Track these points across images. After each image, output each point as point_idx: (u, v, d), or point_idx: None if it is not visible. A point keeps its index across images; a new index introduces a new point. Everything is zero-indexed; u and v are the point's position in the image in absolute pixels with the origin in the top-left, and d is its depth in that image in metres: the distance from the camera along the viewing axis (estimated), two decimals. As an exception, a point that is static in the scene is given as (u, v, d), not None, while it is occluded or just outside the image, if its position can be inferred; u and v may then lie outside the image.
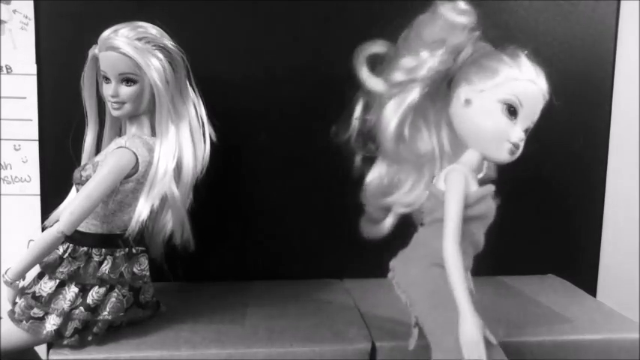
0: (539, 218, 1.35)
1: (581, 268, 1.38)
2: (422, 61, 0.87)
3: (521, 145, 0.84)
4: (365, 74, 0.92)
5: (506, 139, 0.83)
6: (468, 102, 0.85)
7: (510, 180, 1.30)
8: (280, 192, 1.26)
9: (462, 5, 0.88)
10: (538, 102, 0.84)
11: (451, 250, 0.78)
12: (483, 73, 0.84)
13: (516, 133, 0.83)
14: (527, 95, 0.83)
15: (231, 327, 1.00)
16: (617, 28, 1.33)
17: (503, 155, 0.84)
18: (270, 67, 1.22)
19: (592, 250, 1.39)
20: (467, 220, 0.82)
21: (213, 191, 1.07)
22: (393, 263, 0.91)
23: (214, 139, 1.06)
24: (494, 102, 0.83)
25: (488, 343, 0.76)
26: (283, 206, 1.27)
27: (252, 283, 1.24)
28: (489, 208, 0.86)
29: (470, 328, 0.74)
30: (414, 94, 0.88)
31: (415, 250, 0.90)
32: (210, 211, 1.11)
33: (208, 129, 1.05)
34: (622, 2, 1.32)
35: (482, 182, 0.89)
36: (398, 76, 0.89)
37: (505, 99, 0.82)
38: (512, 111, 0.82)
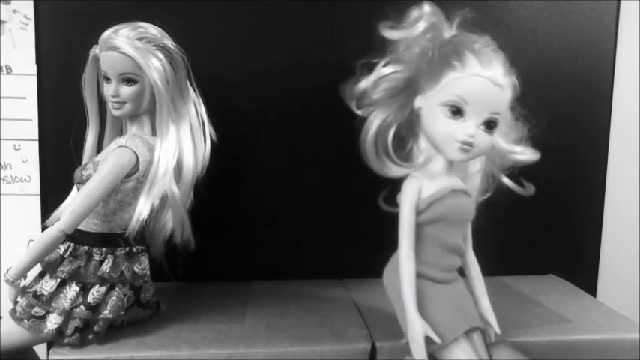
0: (539, 218, 1.35)
1: (581, 268, 1.38)
2: (372, 81, 0.90)
3: (477, 140, 0.82)
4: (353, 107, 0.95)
5: (454, 139, 0.82)
6: (419, 110, 0.87)
7: (510, 180, 1.30)
8: (280, 192, 1.26)
9: (420, 11, 0.89)
10: (487, 93, 0.81)
11: (401, 256, 0.83)
12: (431, 79, 0.84)
13: (464, 130, 0.82)
14: (471, 91, 0.81)
15: (231, 327, 1.00)
16: (617, 28, 1.33)
17: (456, 155, 0.84)
18: (271, 67, 1.22)
19: (592, 250, 1.39)
20: (425, 224, 0.85)
21: (213, 191, 1.07)
22: (385, 269, 0.93)
23: (214, 138, 1.06)
24: (438, 106, 0.83)
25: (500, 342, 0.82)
26: (283, 206, 1.27)
27: (252, 283, 1.24)
28: (449, 208, 0.86)
29: (412, 328, 0.80)
30: (379, 117, 0.91)
31: (395, 255, 0.91)
32: (210, 210, 1.11)
33: (208, 129, 1.05)
34: (622, 2, 1.33)
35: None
36: (363, 99, 0.92)
37: (447, 101, 0.82)
38: (455, 111, 0.82)
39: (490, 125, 0.83)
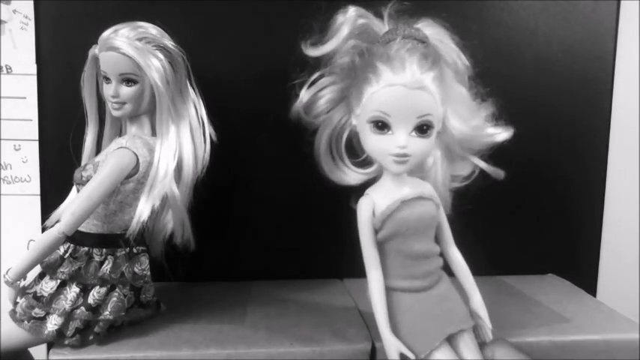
0: (539, 218, 1.35)
1: (581, 268, 1.38)
2: (312, 94, 0.91)
3: (411, 149, 0.80)
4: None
5: (387, 153, 0.82)
6: (355, 128, 0.87)
7: (510, 180, 1.30)
8: (280, 192, 1.26)
9: (343, 16, 0.88)
10: (406, 99, 0.78)
11: (369, 279, 0.84)
12: (356, 97, 0.84)
13: (395, 142, 0.80)
14: (388, 102, 0.79)
15: (231, 327, 1.00)
16: (617, 28, 1.33)
17: (395, 168, 0.83)
18: (271, 68, 1.22)
19: (592, 250, 1.39)
20: (386, 240, 0.85)
21: (213, 191, 1.07)
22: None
23: (215, 138, 1.06)
24: (365, 124, 0.83)
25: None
26: (283, 206, 1.27)
27: (252, 283, 1.24)
28: (402, 221, 0.84)
29: (387, 348, 0.80)
30: (329, 127, 0.92)
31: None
32: (210, 211, 1.11)
33: (209, 129, 1.05)
34: (622, 2, 1.32)
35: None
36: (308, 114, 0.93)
37: (370, 117, 0.81)
38: (381, 125, 0.81)
39: (423, 129, 0.81)
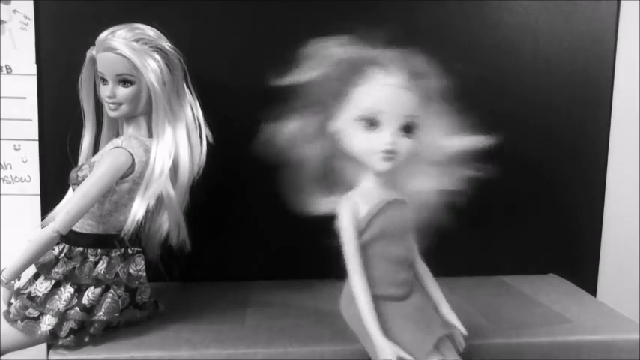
0: (539, 218, 1.35)
1: (581, 268, 1.38)
2: (297, 128, 0.89)
3: (398, 147, 0.82)
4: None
5: (375, 150, 0.83)
6: (337, 133, 0.86)
7: (511, 180, 1.30)
8: (279, 191, 1.26)
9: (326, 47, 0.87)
10: (396, 99, 0.82)
11: (354, 284, 0.83)
12: (340, 102, 0.85)
13: (382, 140, 0.82)
14: (380, 99, 0.82)
15: (231, 327, 1.00)
16: (617, 28, 1.33)
17: (382, 165, 0.83)
18: (268, 69, 1.22)
19: (592, 250, 1.39)
20: (369, 243, 0.85)
21: (211, 192, 1.07)
22: (341, 300, 0.93)
23: (211, 140, 1.06)
24: (352, 122, 0.83)
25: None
26: (282, 206, 1.26)
27: (252, 283, 1.24)
28: (391, 221, 0.85)
29: (383, 355, 0.78)
30: (314, 156, 0.89)
31: (347, 285, 0.91)
32: (209, 211, 1.11)
33: (205, 130, 1.05)
34: (622, 2, 1.33)
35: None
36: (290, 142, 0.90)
37: (360, 115, 0.82)
38: (370, 123, 0.82)
39: (408, 129, 0.83)
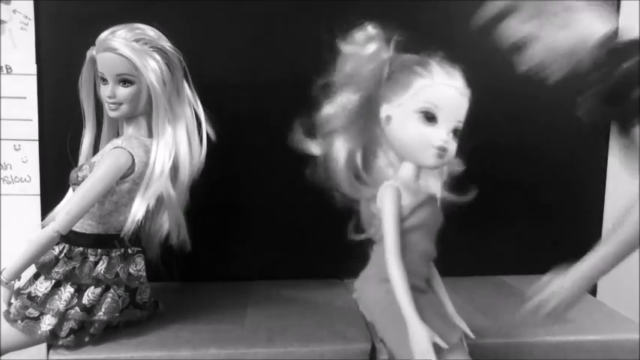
0: (539, 218, 1.35)
1: (581, 268, 1.38)
2: (338, 107, 0.89)
3: (449, 147, 0.84)
4: (301, 141, 0.94)
5: (430, 144, 0.83)
6: (389, 119, 0.86)
7: (511, 180, 1.30)
8: (279, 192, 1.26)
9: (367, 33, 0.89)
10: (456, 102, 0.84)
11: (392, 265, 0.81)
12: (398, 87, 0.85)
13: (439, 136, 0.83)
14: (443, 98, 0.83)
15: (231, 327, 1.00)
16: (617, 29, 1.33)
17: (431, 160, 0.84)
18: (268, 68, 1.22)
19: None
20: (406, 232, 0.84)
21: (212, 192, 1.07)
22: (356, 283, 0.92)
23: (213, 138, 1.05)
24: (412, 112, 0.84)
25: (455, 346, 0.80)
26: (283, 206, 1.27)
27: (252, 283, 1.24)
28: (428, 215, 0.87)
29: (418, 339, 0.77)
30: (347, 143, 0.89)
31: (371, 267, 0.91)
32: (209, 211, 1.11)
33: (206, 129, 1.05)
34: (622, 2, 1.32)
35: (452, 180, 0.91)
36: (325, 128, 0.91)
37: (421, 107, 0.83)
38: (430, 117, 0.83)
39: (456, 133, 0.85)
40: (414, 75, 0.84)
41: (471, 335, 0.88)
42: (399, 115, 0.85)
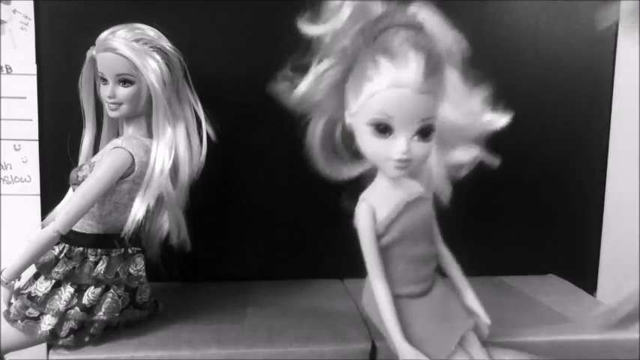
0: (539, 218, 1.35)
1: (581, 268, 1.38)
2: (311, 82, 0.83)
3: (413, 155, 0.76)
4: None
5: (388, 159, 0.77)
6: (350, 127, 0.81)
7: (510, 180, 1.30)
8: (279, 191, 1.26)
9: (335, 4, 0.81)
10: (412, 103, 0.74)
11: (375, 287, 0.80)
12: (353, 92, 0.78)
13: (397, 148, 0.75)
14: (394, 105, 0.74)
15: (231, 327, 1.00)
16: (617, 28, 1.33)
17: (395, 173, 0.78)
18: (269, 68, 1.22)
19: (592, 250, 1.39)
20: (388, 246, 0.81)
21: (212, 192, 1.07)
22: (363, 294, 0.90)
23: (213, 138, 1.06)
24: (364, 125, 0.77)
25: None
26: (283, 206, 1.27)
27: (252, 283, 1.24)
28: (413, 221, 0.82)
29: (403, 358, 0.77)
30: (323, 118, 0.85)
31: (368, 279, 0.88)
32: (209, 211, 1.11)
33: (207, 129, 1.05)
34: (622, 2, 1.32)
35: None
36: (301, 105, 0.85)
37: (371, 120, 0.76)
38: (383, 129, 0.75)
39: (425, 132, 0.76)
40: (365, 79, 0.76)
41: (487, 321, 0.86)
42: (356, 125, 0.80)
